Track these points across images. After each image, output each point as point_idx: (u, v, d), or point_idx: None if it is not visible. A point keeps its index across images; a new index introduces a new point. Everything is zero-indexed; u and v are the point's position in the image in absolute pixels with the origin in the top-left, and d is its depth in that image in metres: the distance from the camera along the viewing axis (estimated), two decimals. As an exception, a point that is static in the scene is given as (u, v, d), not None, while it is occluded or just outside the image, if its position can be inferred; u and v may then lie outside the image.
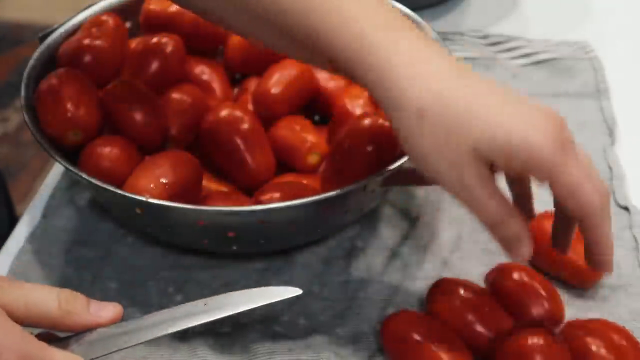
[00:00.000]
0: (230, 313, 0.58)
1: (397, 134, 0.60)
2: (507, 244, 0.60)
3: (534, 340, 0.64)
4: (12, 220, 0.99)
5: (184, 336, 0.72)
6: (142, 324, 0.57)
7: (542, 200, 0.85)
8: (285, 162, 0.82)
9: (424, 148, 0.58)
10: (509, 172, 0.63)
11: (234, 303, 0.59)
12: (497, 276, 0.73)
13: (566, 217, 0.64)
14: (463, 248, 0.80)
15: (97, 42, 0.82)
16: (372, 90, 0.61)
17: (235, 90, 0.90)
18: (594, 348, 0.65)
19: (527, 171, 0.57)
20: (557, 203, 0.61)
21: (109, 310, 0.56)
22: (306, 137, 0.81)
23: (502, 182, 0.64)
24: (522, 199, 0.68)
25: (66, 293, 0.55)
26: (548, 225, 0.76)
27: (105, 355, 0.55)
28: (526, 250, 0.60)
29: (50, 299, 0.54)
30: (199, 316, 0.58)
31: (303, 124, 0.82)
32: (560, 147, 0.56)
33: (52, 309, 0.53)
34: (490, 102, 0.58)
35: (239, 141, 0.79)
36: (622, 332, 0.66)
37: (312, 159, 0.81)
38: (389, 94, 0.59)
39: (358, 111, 0.81)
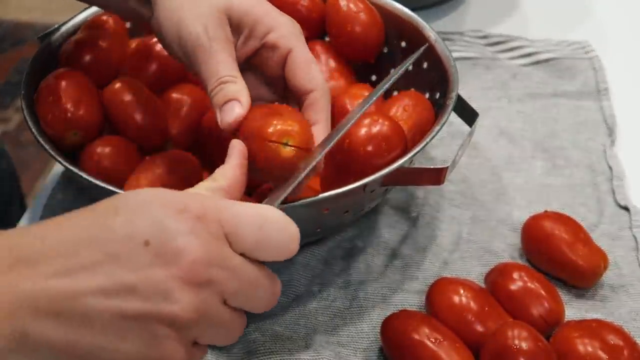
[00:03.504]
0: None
1: (158, 11, 0.65)
2: (219, 103, 0.62)
3: (515, 337, 0.64)
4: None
5: (184, 336, 0.71)
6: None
7: (542, 200, 0.85)
8: (285, 162, 0.81)
9: (181, 11, 0.64)
10: (251, 42, 0.66)
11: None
12: (497, 276, 0.73)
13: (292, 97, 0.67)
14: (463, 248, 0.80)
15: (97, 42, 0.82)
16: None
17: (235, 90, 0.90)
18: (590, 348, 0.65)
19: (268, 37, 0.64)
20: (289, 81, 0.65)
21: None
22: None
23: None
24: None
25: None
26: (548, 225, 0.77)
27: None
28: (235, 113, 0.61)
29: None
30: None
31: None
32: (300, 30, 0.65)
33: (210, 184, 0.54)
34: None
35: (239, 141, 0.79)
36: (618, 332, 0.66)
37: (312, 159, 0.81)
38: None
39: (358, 111, 0.81)
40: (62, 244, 0.46)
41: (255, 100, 0.64)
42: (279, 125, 0.61)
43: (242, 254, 0.48)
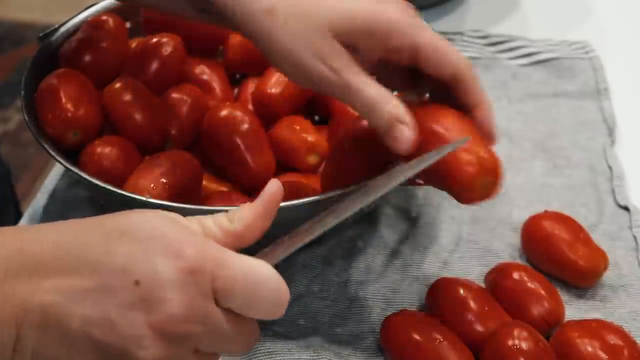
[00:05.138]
0: (386, 191, 0.58)
1: (254, 41, 0.61)
2: (386, 128, 0.59)
3: (515, 337, 0.64)
4: (19, 217, 0.99)
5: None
6: (304, 228, 0.56)
7: (542, 200, 0.85)
8: (285, 162, 0.81)
9: (281, 43, 0.59)
10: (372, 54, 0.62)
11: (379, 186, 0.58)
12: (497, 276, 0.73)
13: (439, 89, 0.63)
14: (463, 248, 0.80)
15: (97, 42, 0.82)
16: (224, 11, 0.61)
17: (235, 90, 0.90)
18: (589, 348, 0.65)
19: (390, 43, 0.59)
20: (428, 73, 0.61)
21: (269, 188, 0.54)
22: (306, 137, 0.81)
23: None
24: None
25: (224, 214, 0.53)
26: (548, 225, 0.77)
27: (278, 261, 0.53)
28: (407, 133, 0.59)
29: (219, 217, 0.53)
30: (356, 203, 0.56)
31: (303, 124, 0.82)
32: (414, 16, 0.60)
33: (225, 223, 0.53)
34: None
35: (238, 141, 0.79)
36: (618, 332, 0.66)
37: (312, 159, 0.81)
38: (237, 4, 0.60)
39: (358, 111, 0.81)
40: (64, 259, 0.48)
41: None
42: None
43: (227, 308, 0.50)
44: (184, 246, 0.49)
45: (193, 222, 0.52)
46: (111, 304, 0.47)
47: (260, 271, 0.50)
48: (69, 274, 0.48)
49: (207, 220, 0.53)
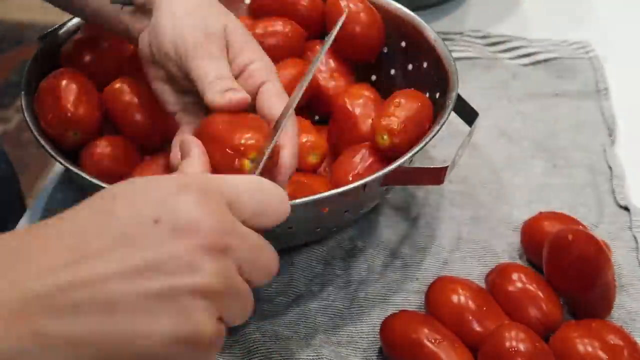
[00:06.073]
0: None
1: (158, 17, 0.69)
2: (220, 92, 0.65)
3: (513, 338, 0.64)
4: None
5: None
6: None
7: (542, 200, 0.85)
8: (285, 162, 0.81)
9: (184, 19, 0.68)
10: (234, 67, 0.68)
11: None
12: (497, 276, 0.73)
13: None
14: (463, 248, 0.80)
15: (97, 42, 0.82)
16: None
17: (235, 90, 0.90)
18: (589, 348, 0.65)
19: (251, 67, 0.67)
20: (258, 105, 0.67)
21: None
22: (306, 137, 0.81)
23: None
24: None
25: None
26: (548, 225, 0.77)
27: None
28: (239, 96, 0.65)
29: None
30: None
31: (303, 124, 0.82)
32: (275, 69, 0.69)
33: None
34: None
35: (239, 141, 0.79)
36: (618, 332, 0.66)
37: (312, 159, 0.81)
38: None
39: (358, 111, 0.81)
40: (64, 237, 0.44)
41: None
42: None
43: (242, 222, 0.48)
44: (184, 177, 0.49)
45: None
46: (142, 250, 0.43)
47: (252, 178, 0.51)
48: (75, 247, 0.43)
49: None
